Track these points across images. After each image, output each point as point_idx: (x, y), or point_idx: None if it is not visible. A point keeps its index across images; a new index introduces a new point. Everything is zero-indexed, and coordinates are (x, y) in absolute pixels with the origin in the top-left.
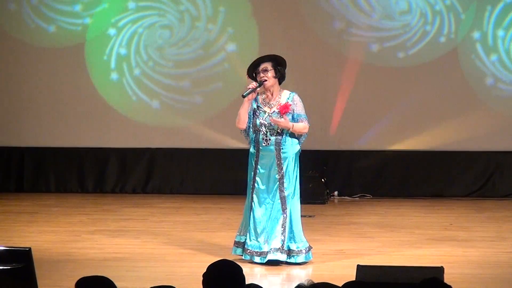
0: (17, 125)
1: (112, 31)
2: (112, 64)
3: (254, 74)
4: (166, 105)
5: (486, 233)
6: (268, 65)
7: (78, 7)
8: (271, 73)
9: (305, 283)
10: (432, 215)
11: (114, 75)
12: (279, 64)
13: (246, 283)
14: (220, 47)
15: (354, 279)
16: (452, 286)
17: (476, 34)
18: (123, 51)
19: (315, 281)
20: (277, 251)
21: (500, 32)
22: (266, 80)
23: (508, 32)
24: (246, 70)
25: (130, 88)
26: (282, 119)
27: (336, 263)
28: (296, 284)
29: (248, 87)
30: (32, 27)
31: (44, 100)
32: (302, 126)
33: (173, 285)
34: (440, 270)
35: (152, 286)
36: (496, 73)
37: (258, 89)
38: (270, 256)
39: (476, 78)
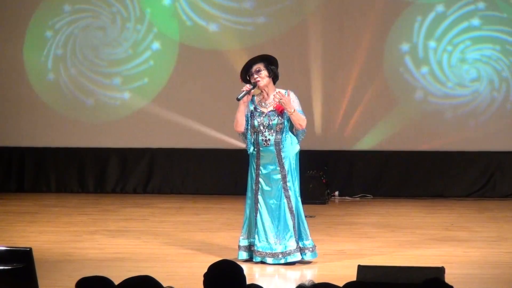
0: (17, 125)
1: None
2: (49, 65)
3: (248, 77)
4: (100, 103)
5: (487, 233)
6: (260, 66)
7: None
8: (264, 73)
9: (306, 283)
10: (433, 215)
11: (50, 75)
12: (271, 63)
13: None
14: (146, 46)
15: (355, 279)
16: (453, 286)
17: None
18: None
19: (316, 281)
20: (295, 252)
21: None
22: (259, 81)
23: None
24: (168, 66)
25: (66, 87)
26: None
27: (337, 263)
28: (297, 284)
29: (242, 89)
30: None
31: (44, 100)
32: (302, 117)
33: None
34: (441, 270)
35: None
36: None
37: (253, 90)
38: (291, 259)
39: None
